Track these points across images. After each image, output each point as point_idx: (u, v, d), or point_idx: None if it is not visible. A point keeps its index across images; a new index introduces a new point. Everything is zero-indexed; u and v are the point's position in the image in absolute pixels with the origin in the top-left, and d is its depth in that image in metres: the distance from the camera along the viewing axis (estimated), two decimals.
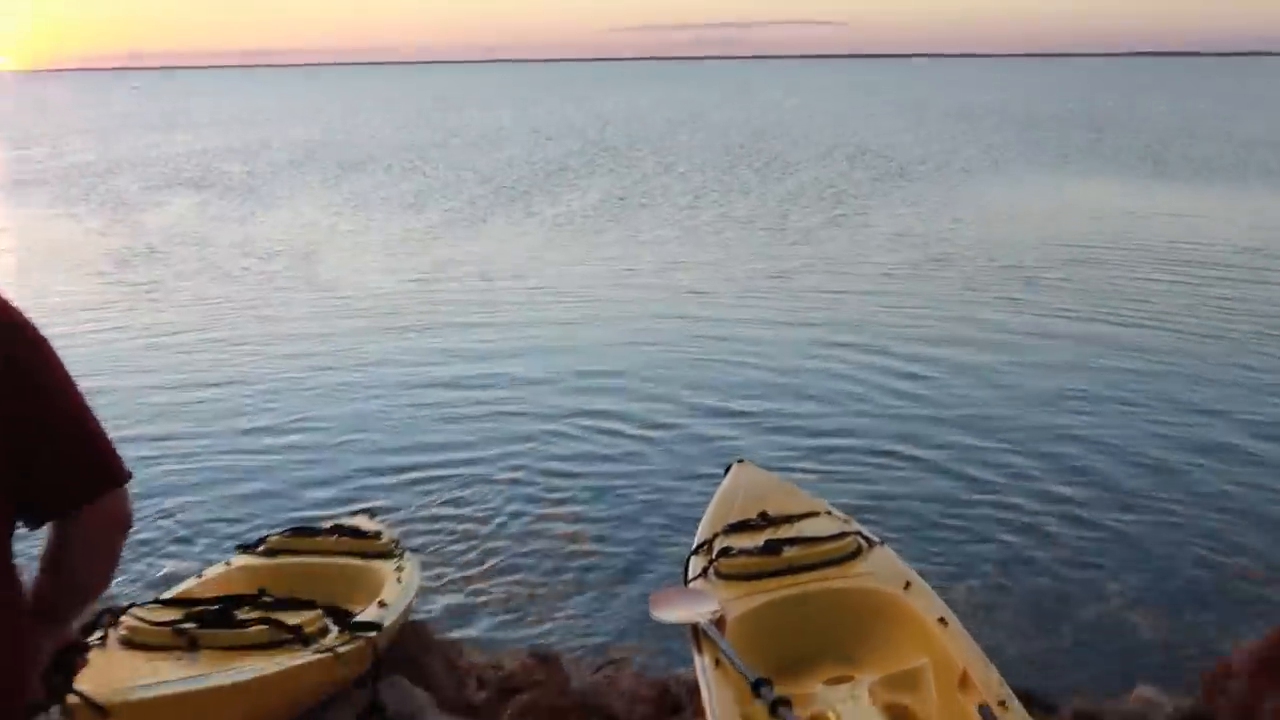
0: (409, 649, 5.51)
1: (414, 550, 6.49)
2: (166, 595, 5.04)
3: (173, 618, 4.16)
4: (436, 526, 9.17)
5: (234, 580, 5.46)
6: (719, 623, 4.85)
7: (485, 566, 8.52)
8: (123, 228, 26.73)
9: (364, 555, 5.95)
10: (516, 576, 8.37)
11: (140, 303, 18.36)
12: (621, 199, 31.29)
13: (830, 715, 4.26)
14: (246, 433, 11.77)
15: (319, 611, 4.45)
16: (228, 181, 37.13)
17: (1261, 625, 7.46)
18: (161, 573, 8.31)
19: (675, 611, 5.15)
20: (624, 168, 40.26)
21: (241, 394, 13.11)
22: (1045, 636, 7.44)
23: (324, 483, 10.23)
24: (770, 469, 6.93)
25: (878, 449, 10.80)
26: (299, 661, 4.03)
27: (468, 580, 8.32)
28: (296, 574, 5.62)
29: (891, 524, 8.35)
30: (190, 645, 3.94)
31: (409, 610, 5.42)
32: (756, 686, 4.32)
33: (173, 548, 8.92)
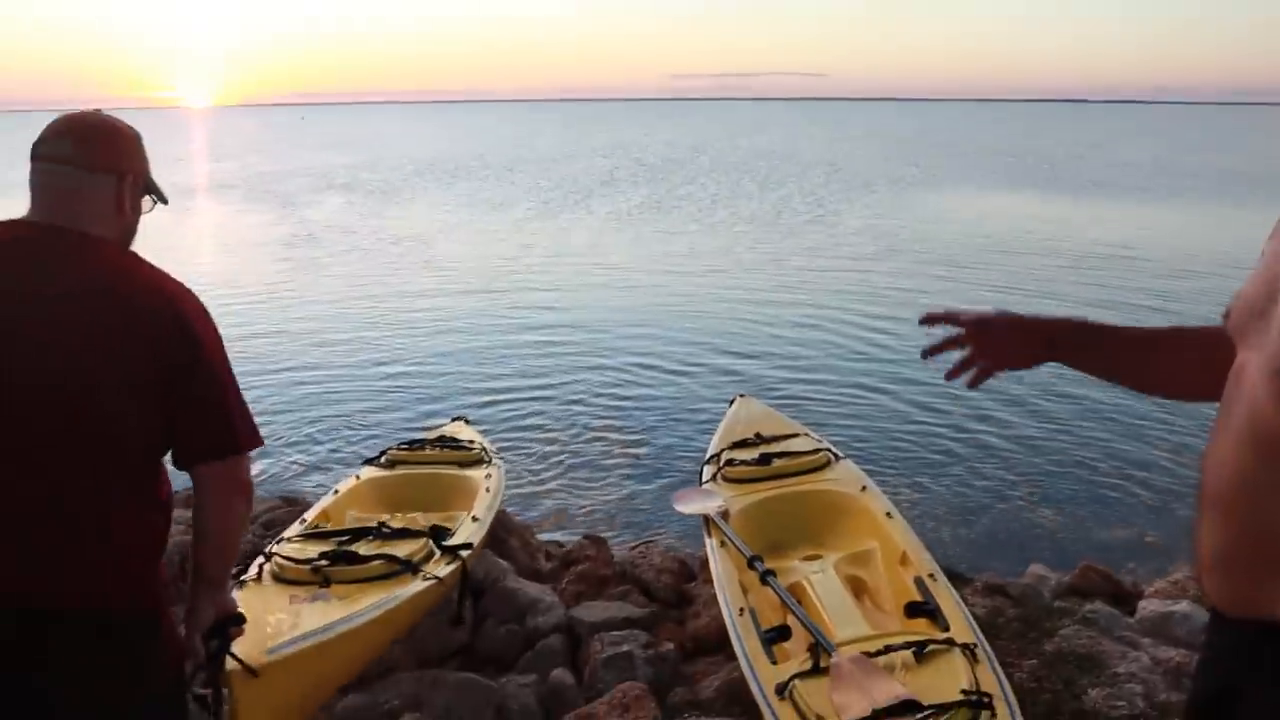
0: (495, 531, 5.40)
1: (499, 454, 6.19)
2: (309, 518, 4.75)
3: (310, 555, 3.89)
4: (517, 436, 9.09)
5: (362, 496, 5.25)
6: (724, 515, 4.76)
7: (552, 469, 8.44)
8: (290, 219, 26.73)
9: (461, 464, 5.67)
10: (575, 477, 8.30)
11: (300, 274, 18.36)
12: (657, 203, 30.95)
13: (804, 583, 4.16)
14: (377, 364, 11.85)
15: (425, 540, 4.19)
16: (368, 187, 37.00)
17: (1124, 516, 7.46)
18: (311, 479, 8.32)
19: (692, 505, 5.07)
20: (658, 180, 39.84)
21: (373, 338, 13.15)
22: (965, 528, 7.34)
23: (434, 400, 10.24)
24: (764, 401, 6.78)
25: (847, 387, 10.68)
26: (410, 591, 3.79)
27: (539, 479, 8.24)
28: (411, 484, 5.42)
29: (854, 443, 8.19)
30: (325, 581, 3.71)
31: (494, 515, 5.11)
32: (751, 561, 4.26)
33: (319, 454, 8.94)
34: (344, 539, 4.15)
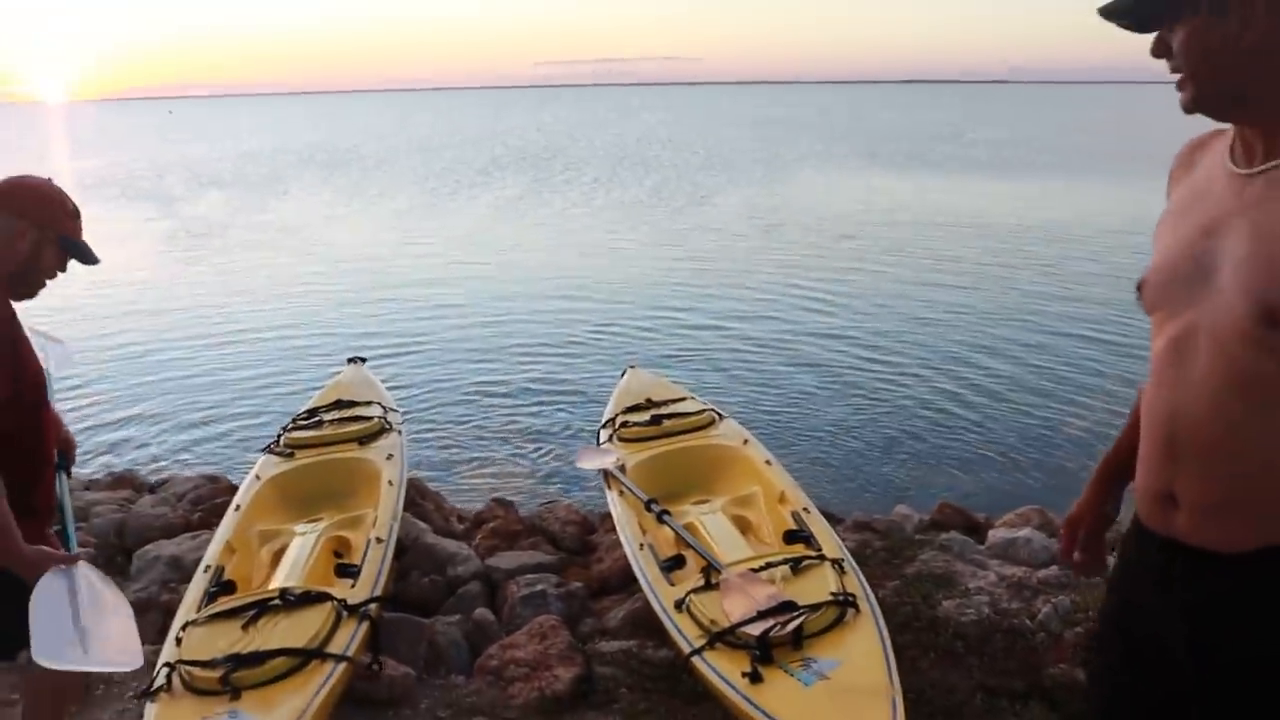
0: (411, 496, 5.69)
1: (398, 410, 6.14)
2: (211, 560, 4.43)
3: (215, 655, 3.50)
4: (421, 408, 9.51)
5: (265, 504, 5.05)
6: (621, 468, 5.18)
7: (457, 440, 8.87)
8: (170, 215, 26.28)
9: (361, 440, 5.56)
10: (479, 445, 8.76)
11: (188, 267, 18.37)
12: (537, 190, 31.19)
13: (695, 522, 4.63)
14: (268, 341, 12.39)
15: (330, 606, 3.79)
16: (245, 180, 36.38)
17: (980, 464, 8.18)
18: (225, 450, 8.64)
19: (592, 461, 5.48)
20: (536, 167, 39.97)
21: (249, 324, 13.45)
22: (838, 476, 8.03)
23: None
24: (653, 371, 7.20)
25: (730, 354, 11.40)
26: (325, 684, 3.44)
27: (444, 447, 8.67)
28: (311, 476, 5.29)
29: (738, 404, 8.86)
30: (234, 692, 3.35)
31: (399, 521, 4.79)
32: (648, 505, 4.75)
33: (230, 426, 9.29)
34: (247, 617, 3.76)
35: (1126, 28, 1.82)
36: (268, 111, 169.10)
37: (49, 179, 3.02)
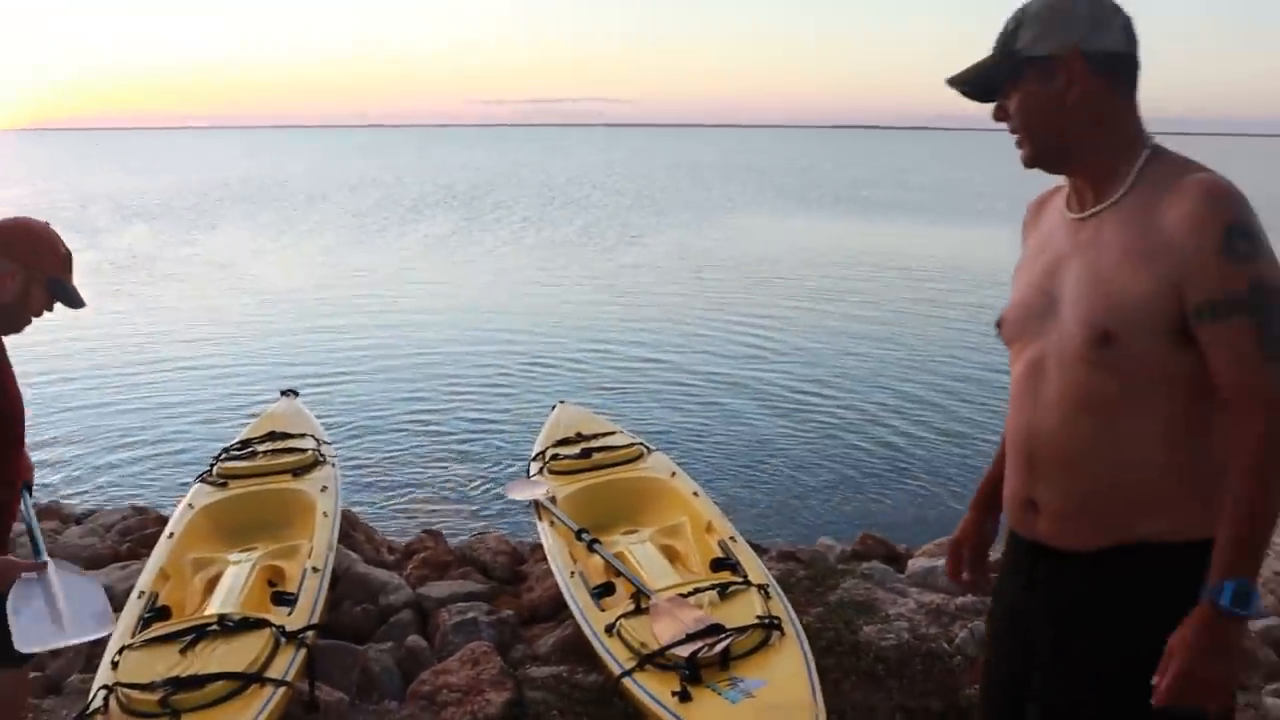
0: (343, 528, 5.57)
1: (330, 444, 6.15)
2: (145, 586, 4.42)
3: (153, 678, 3.50)
4: (351, 441, 9.54)
5: (199, 531, 5.05)
6: (552, 499, 5.26)
7: (387, 472, 8.97)
8: (95, 246, 25.87)
9: (295, 472, 5.56)
10: (413, 475, 8.86)
11: (102, 299, 18.16)
12: (467, 227, 31.32)
13: (625, 552, 4.72)
14: (197, 373, 12.37)
15: (268, 633, 3.81)
16: (173, 213, 36.01)
17: (900, 497, 8.40)
18: (154, 481, 8.60)
19: (523, 493, 5.52)
20: (467, 204, 40.18)
21: (196, 349, 13.57)
22: (763, 507, 8.26)
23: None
24: (582, 406, 7.23)
25: (659, 389, 11.66)
26: (263, 708, 3.47)
27: (374, 480, 8.75)
28: (245, 506, 5.28)
29: (666, 438, 9.02)
30: (174, 715, 3.36)
31: (334, 552, 4.81)
32: (579, 534, 4.85)
33: (160, 457, 9.27)
34: (185, 641, 3.78)
35: (970, 97, 2.12)
36: (196, 145, 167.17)
37: (46, 223, 3.14)
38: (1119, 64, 2.00)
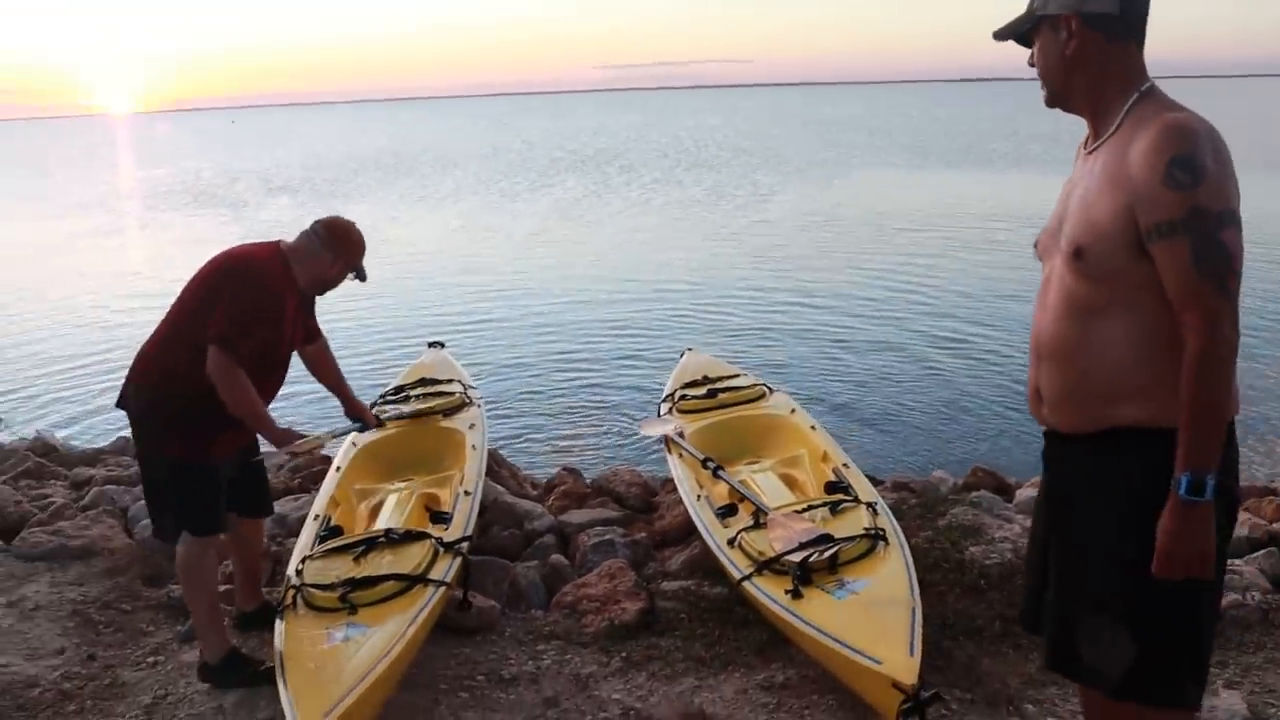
0: (489, 464, 6.01)
1: (476, 389, 6.61)
2: (320, 509, 4.97)
3: (333, 579, 4.03)
4: (496, 385, 10.17)
5: (361, 468, 5.52)
6: (681, 434, 5.69)
7: (529, 415, 9.53)
8: (243, 220, 26.83)
9: (445, 413, 6.03)
10: (551, 418, 9.44)
11: None
12: (599, 190, 31.88)
13: (747, 479, 5.12)
14: (349, 330, 12.63)
15: (429, 543, 4.33)
16: (314, 187, 37.00)
17: (1012, 433, 8.60)
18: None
19: (655, 429, 6.02)
20: (599, 168, 40.70)
21: (329, 314, 13.83)
22: (878, 440, 8.61)
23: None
24: (709, 351, 7.67)
25: (782, 336, 12.05)
26: (426, 604, 3.93)
27: (521, 421, 9.37)
28: (402, 444, 5.74)
29: (785, 379, 9.34)
30: (352, 608, 3.86)
31: (483, 477, 5.34)
32: (705, 462, 5.29)
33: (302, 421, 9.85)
34: (359, 551, 4.32)
35: (1017, 42, 2.54)
36: (328, 120, 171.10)
37: (352, 223, 4.56)
38: (1112, 23, 2.36)
